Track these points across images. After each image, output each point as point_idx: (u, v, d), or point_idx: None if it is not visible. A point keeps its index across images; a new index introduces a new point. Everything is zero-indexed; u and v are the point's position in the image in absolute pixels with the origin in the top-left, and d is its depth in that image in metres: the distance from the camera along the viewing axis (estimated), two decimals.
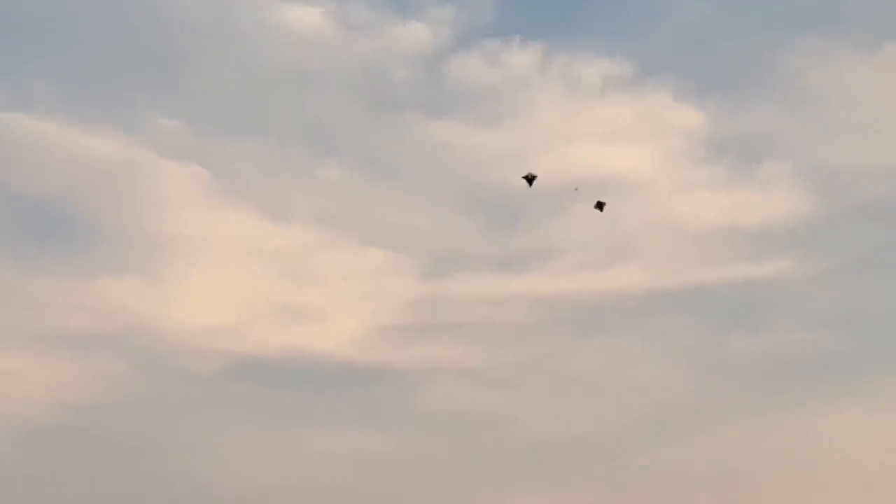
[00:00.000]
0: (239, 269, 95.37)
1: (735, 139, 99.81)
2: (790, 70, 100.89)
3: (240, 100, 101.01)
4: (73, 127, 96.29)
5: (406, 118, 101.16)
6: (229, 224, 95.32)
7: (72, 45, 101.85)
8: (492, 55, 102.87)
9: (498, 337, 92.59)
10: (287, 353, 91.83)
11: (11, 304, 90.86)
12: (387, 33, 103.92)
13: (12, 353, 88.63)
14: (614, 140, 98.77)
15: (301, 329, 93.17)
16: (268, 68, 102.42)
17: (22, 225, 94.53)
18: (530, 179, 62.19)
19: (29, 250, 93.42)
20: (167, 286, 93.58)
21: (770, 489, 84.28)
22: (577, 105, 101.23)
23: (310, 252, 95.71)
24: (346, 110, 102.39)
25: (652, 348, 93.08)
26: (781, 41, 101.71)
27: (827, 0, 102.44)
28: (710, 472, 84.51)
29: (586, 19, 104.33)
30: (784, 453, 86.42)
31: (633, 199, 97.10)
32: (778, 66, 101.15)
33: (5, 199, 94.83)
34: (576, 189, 65.74)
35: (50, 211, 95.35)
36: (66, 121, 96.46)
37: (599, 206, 62.69)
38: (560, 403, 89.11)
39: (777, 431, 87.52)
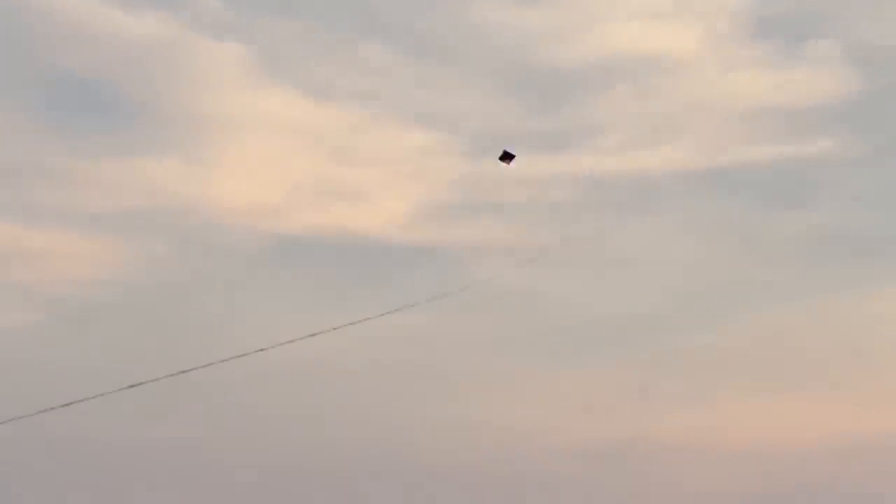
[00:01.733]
0: (281, 148, 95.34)
1: (782, 18, 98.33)
2: None
3: None
4: (113, 4, 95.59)
5: None
6: (271, 103, 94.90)
7: None
8: None
9: (542, 216, 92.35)
10: (331, 232, 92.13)
11: (54, 183, 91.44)
12: None
13: (56, 231, 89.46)
14: (660, 18, 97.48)
15: (345, 209, 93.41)
16: None
17: (64, 103, 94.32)
18: (507, 157, 60.23)
19: (71, 129, 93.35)
20: (209, 165, 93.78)
21: (813, 371, 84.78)
22: None
23: (353, 131, 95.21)
24: None
25: (696, 227, 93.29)
26: None
27: None
28: (751, 353, 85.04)
29: None
30: (827, 334, 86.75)
31: (679, 77, 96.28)
32: None
33: (47, 77, 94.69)
34: None
35: (91, 90, 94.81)
36: None
37: None
38: (603, 283, 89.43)
39: (820, 312, 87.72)
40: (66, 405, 47.25)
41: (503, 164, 59.86)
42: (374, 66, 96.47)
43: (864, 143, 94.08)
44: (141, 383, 49.26)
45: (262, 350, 56.18)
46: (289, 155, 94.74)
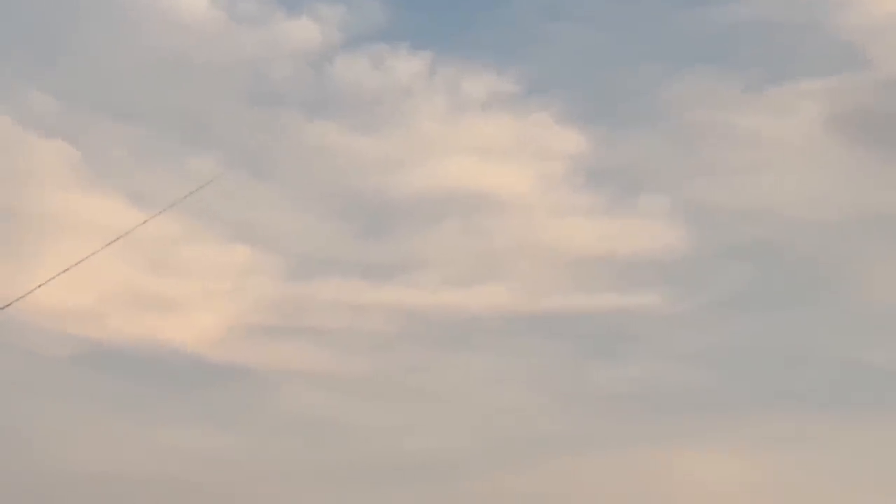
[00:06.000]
0: (100, 253, 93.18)
1: (615, 168, 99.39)
2: (676, 103, 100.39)
3: (118, 82, 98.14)
4: None
5: (285, 116, 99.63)
6: (94, 207, 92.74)
7: None
8: (378, 59, 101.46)
9: (358, 345, 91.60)
10: (142, 343, 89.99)
11: None
12: (273, 28, 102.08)
13: None
14: (493, 157, 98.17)
15: (159, 321, 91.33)
16: (149, 53, 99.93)
17: None
18: None
19: None
20: (22, 265, 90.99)
21: None
22: (460, 118, 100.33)
23: (175, 243, 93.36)
24: (225, 103, 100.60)
25: (512, 370, 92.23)
26: (670, 74, 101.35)
27: (717, 38, 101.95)
28: (551, 500, 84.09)
29: (476, 33, 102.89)
30: (638, 488, 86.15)
31: (507, 218, 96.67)
32: (664, 98, 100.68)
33: None
34: None
35: None
36: None
37: None
38: (414, 417, 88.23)
39: (632, 465, 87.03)
40: None
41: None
42: (201, 179, 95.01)
43: (685, 299, 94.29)
44: None
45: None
46: (106, 260, 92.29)
